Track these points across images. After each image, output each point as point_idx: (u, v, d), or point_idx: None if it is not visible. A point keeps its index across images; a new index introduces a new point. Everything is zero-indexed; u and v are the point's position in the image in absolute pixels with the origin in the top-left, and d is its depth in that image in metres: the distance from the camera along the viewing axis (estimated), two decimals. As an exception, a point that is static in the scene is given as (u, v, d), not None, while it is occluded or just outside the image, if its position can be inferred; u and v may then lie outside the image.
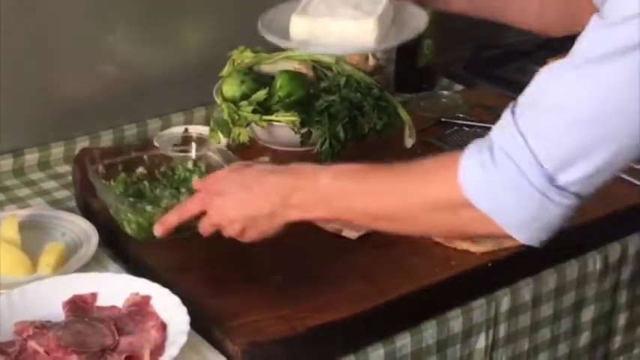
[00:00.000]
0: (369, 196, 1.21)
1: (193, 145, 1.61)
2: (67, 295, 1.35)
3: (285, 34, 1.40)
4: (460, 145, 1.73)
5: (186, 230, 1.39)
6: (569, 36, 2.21)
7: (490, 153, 1.10)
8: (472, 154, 1.12)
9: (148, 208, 1.45)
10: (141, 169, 1.57)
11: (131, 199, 1.49)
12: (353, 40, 1.36)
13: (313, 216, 1.28)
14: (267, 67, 1.78)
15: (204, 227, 1.35)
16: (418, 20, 1.45)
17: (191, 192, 1.47)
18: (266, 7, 1.87)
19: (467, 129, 1.83)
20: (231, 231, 1.32)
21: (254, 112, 1.68)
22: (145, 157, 1.58)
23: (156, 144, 1.66)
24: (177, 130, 1.67)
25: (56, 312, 1.33)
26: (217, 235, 1.47)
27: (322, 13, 1.40)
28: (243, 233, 1.31)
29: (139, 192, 1.54)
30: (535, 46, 2.20)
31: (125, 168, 1.56)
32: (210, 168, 1.57)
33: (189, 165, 1.59)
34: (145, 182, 1.56)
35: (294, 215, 1.28)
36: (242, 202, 1.30)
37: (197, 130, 1.70)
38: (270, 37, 1.39)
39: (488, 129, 1.16)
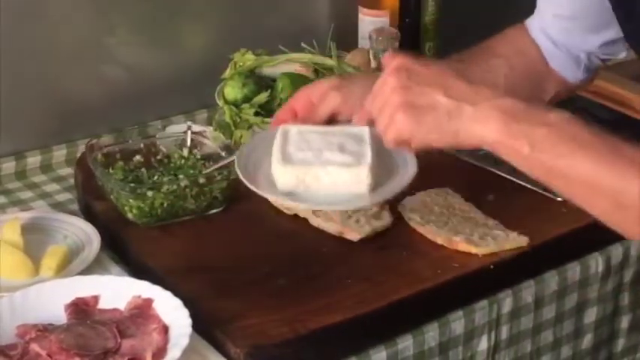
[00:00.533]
0: (609, 164, 1.05)
1: (189, 133, 1.65)
2: (69, 298, 1.35)
3: (267, 179, 1.30)
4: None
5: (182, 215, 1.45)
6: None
7: None
8: None
9: (149, 193, 1.50)
10: (138, 158, 1.62)
11: (132, 185, 1.53)
12: (346, 189, 1.27)
13: (517, 147, 1.07)
14: (268, 70, 1.79)
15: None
16: (407, 162, 1.34)
17: (189, 178, 1.53)
18: (267, 10, 1.88)
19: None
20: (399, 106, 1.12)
21: (256, 114, 1.69)
22: (142, 145, 1.63)
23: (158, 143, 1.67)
24: (180, 127, 1.68)
25: (58, 315, 1.32)
26: (220, 239, 1.47)
27: (309, 160, 1.29)
28: (404, 113, 1.12)
29: (137, 179, 1.59)
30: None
31: (123, 157, 1.61)
32: (206, 156, 1.62)
33: (185, 153, 1.64)
34: (143, 170, 1.61)
35: (490, 133, 1.08)
36: (432, 73, 1.13)
37: (200, 129, 1.71)
38: (254, 188, 1.29)
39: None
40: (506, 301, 1.48)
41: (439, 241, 1.49)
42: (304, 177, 1.28)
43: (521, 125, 1.08)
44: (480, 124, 1.10)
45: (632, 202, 1.05)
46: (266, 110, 1.69)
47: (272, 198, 1.28)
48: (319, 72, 1.77)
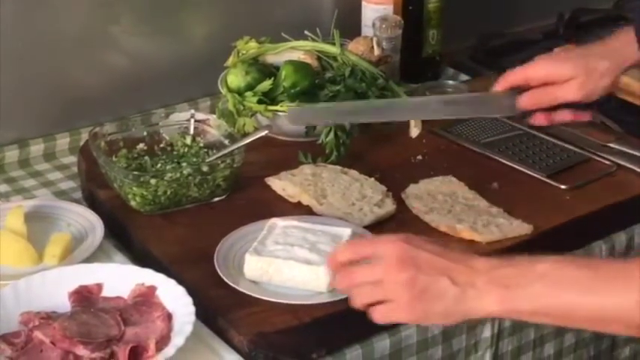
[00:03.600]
0: (603, 292, 1.09)
1: (192, 121, 1.65)
2: (73, 286, 1.35)
3: (239, 268, 1.38)
4: (465, 135, 1.74)
5: (185, 203, 1.50)
6: (575, 26, 2.22)
7: None
8: None
9: (152, 181, 1.51)
10: (141, 146, 1.63)
11: (135, 173, 1.53)
12: (304, 284, 1.35)
13: (518, 309, 1.13)
14: (271, 58, 1.78)
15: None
16: None
17: (192, 166, 1.54)
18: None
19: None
20: (401, 283, 1.15)
21: (259, 102, 1.68)
22: (145, 133, 1.64)
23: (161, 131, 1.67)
24: (183, 115, 1.68)
25: (62, 302, 1.33)
26: (223, 227, 1.47)
27: (277, 254, 1.36)
28: (413, 297, 1.15)
29: (140, 167, 1.60)
30: (541, 36, 2.19)
31: (126, 145, 1.62)
32: (209, 144, 1.62)
33: (188, 140, 1.64)
34: (146, 157, 1.61)
35: (492, 307, 1.13)
36: (440, 256, 1.16)
37: (203, 117, 1.71)
38: (223, 275, 1.36)
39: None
40: (509, 288, 1.48)
41: (442, 229, 1.49)
42: (268, 268, 1.36)
43: (518, 290, 1.13)
44: (483, 301, 1.15)
45: (635, 315, 1.08)
46: (269, 98, 1.69)
47: (234, 285, 1.36)
48: (322, 60, 1.77)
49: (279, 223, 1.44)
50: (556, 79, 1.45)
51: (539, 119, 1.48)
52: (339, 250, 1.23)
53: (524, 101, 1.45)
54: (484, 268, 1.16)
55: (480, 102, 1.46)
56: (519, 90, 1.46)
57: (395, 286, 1.16)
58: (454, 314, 1.17)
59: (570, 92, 1.44)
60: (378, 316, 1.18)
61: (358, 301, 1.19)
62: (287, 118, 1.47)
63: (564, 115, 1.48)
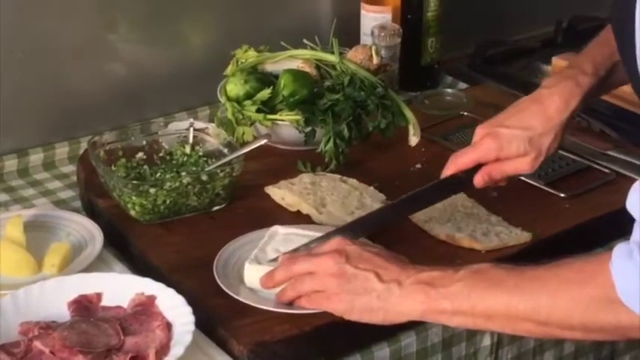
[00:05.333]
0: (515, 292, 1.17)
1: (191, 130, 1.65)
2: (72, 296, 1.35)
3: (239, 277, 1.38)
4: (464, 144, 1.74)
5: (185, 212, 1.51)
6: (573, 34, 2.22)
7: None
8: (621, 256, 1.10)
9: (151, 190, 1.51)
10: (140, 155, 1.63)
11: (134, 182, 1.53)
12: None
13: (440, 308, 1.21)
14: (270, 66, 1.79)
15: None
16: None
17: (191, 175, 1.54)
18: (269, 6, 1.88)
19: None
20: (330, 273, 1.26)
21: (258, 111, 1.68)
22: (144, 142, 1.63)
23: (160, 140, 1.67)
24: (183, 124, 1.68)
25: (61, 312, 1.32)
26: (223, 236, 1.47)
27: (277, 261, 1.37)
28: (341, 287, 1.26)
29: (139, 176, 1.60)
30: (539, 44, 2.20)
31: (125, 154, 1.62)
32: (208, 153, 1.63)
33: (187, 149, 1.64)
34: (145, 167, 1.61)
35: (416, 306, 1.22)
36: (374, 255, 1.28)
37: (202, 126, 1.70)
38: (223, 285, 1.36)
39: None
40: (509, 297, 1.48)
41: (442, 237, 1.49)
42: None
43: (439, 289, 1.21)
44: (407, 299, 1.23)
45: (547, 318, 1.16)
46: (268, 107, 1.69)
47: (234, 294, 1.36)
48: (321, 68, 1.77)
49: (280, 230, 1.44)
50: (504, 158, 1.44)
51: (499, 183, 1.49)
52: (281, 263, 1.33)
53: (479, 181, 1.45)
54: (413, 271, 1.24)
55: (438, 189, 1.47)
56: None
57: (325, 276, 1.26)
58: (377, 311, 1.25)
59: (524, 168, 1.45)
60: (306, 300, 1.29)
61: (291, 291, 1.29)
62: None
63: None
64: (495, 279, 1.20)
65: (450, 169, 1.46)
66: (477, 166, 1.45)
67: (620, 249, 1.11)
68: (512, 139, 1.43)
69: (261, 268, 1.36)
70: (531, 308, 1.16)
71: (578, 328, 1.15)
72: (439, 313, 1.22)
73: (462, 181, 1.46)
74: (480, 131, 1.46)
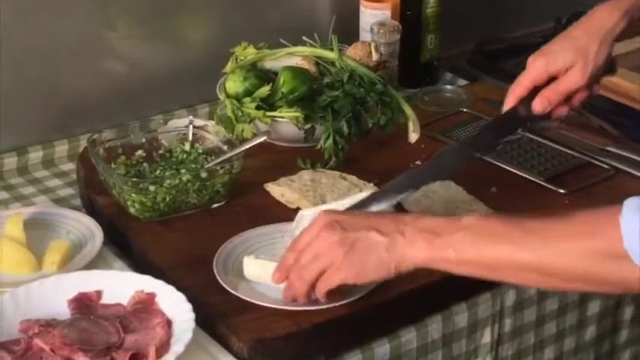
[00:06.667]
0: (521, 242, 1.16)
1: (191, 127, 1.65)
2: (72, 293, 1.35)
3: (239, 274, 1.38)
4: (463, 140, 1.74)
5: (184, 209, 1.51)
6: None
7: None
8: (632, 210, 1.10)
9: (151, 187, 1.51)
10: (140, 152, 1.63)
11: (134, 179, 1.53)
12: None
13: (444, 256, 1.20)
14: (270, 64, 1.79)
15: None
16: None
17: (191, 172, 1.54)
18: (268, 3, 1.88)
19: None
20: (333, 246, 1.24)
21: (257, 108, 1.68)
22: (144, 139, 1.63)
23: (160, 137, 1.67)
24: (182, 121, 1.68)
25: (61, 310, 1.33)
26: (222, 233, 1.47)
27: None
28: (348, 255, 1.24)
29: (139, 174, 1.59)
30: (539, 40, 2.19)
31: (125, 151, 1.62)
32: (208, 150, 1.63)
33: (187, 147, 1.64)
34: (145, 164, 1.62)
35: (420, 253, 1.22)
36: (365, 216, 1.28)
37: (201, 123, 1.70)
38: (223, 282, 1.36)
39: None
40: (509, 293, 1.48)
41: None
42: (264, 271, 1.34)
43: (442, 237, 1.21)
44: (411, 249, 1.22)
45: (551, 269, 1.16)
46: (267, 104, 1.69)
47: (234, 291, 1.36)
48: (320, 65, 1.77)
49: (305, 213, 1.41)
50: (556, 74, 1.47)
51: (559, 112, 1.50)
52: (283, 258, 1.30)
53: (537, 106, 1.47)
54: (410, 219, 1.24)
55: (500, 125, 1.49)
56: (527, 98, 1.48)
57: (328, 250, 1.25)
58: (388, 263, 1.23)
59: (575, 79, 1.46)
60: (322, 285, 1.26)
61: (299, 282, 1.27)
62: None
63: (580, 96, 1.50)
64: (500, 229, 1.19)
65: (509, 101, 1.48)
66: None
67: (631, 202, 1.11)
68: (558, 52, 1.45)
69: (261, 261, 1.36)
70: (537, 259, 1.15)
71: (581, 279, 1.14)
72: (444, 262, 1.21)
73: (523, 115, 1.46)
74: (529, 58, 1.48)
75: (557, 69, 1.46)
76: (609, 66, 1.51)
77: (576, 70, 1.45)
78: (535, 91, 1.48)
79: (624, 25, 1.46)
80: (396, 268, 1.23)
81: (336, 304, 1.31)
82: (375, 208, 1.36)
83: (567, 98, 1.49)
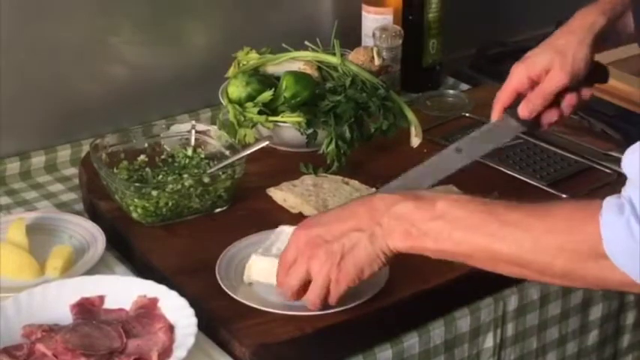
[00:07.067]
0: (499, 235, 1.15)
1: (193, 132, 1.66)
2: (75, 298, 1.35)
3: (241, 279, 1.39)
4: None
5: (187, 214, 1.51)
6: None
7: (632, 212, 1.07)
8: (612, 210, 1.09)
9: (153, 192, 1.51)
10: (142, 157, 1.63)
11: (137, 184, 1.53)
12: None
13: (422, 245, 1.20)
14: (272, 68, 1.79)
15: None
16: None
17: (193, 177, 1.53)
18: (270, 8, 1.87)
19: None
20: (325, 264, 1.25)
21: (260, 113, 1.68)
22: (146, 144, 1.64)
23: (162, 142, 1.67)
24: (184, 126, 1.68)
25: (64, 315, 1.33)
26: (225, 238, 1.47)
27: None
28: (340, 265, 1.25)
29: (141, 179, 1.60)
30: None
31: (127, 156, 1.62)
32: (210, 155, 1.63)
33: (189, 152, 1.64)
34: (147, 169, 1.62)
35: (399, 243, 1.21)
36: (339, 220, 1.26)
37: (204, 128, 1.71)
38: (225, 287, 1.37)
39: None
40: (511, 298, 1.48)
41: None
42: (272, 268, 1.34)
43: (419, 226, 1.20)
44: (391, 238, 1.22)
45: (529, 262, 1.15)
46: (270, 109, 1.69)
47: (236, 296, 1.36)
48: (323, 70, 1.77)
49: (286, 230, 1.42)
50: (537, 77, 1.47)
51: (549, 118, 1.49)
52: (279, 277, 1.31)
53: (523, 112, 1.47)
54: (383, 206, 1.22)
55: (487, 135, 1.49)
56: (515, 106, 1.48)
57: (322, 269, 1.26)
58: (376, 254, 1.23)
59: (556, 79, 1.46)
60: (332, 298, 1.28)
61: (315, 304, 1.29)
62: None
63: (569, 101, 1.49)
64: (477, 219, 1.18)
65: (496, 110, 1.49)
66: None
67: (610, 202, 1.10)
68: (537, 55, 1.47)
69: (263, 260, 1.37)
70: (515, 253, 1.15)
71: (558, 275, 1.14)
72: (423, 249, 1.21)
73: (512, 124, 1.47)
74: (512, 67, 1.50)
75: (537, 72, 1.46)
76: (600, 73, 1.51)
77: (555, 69, 1.45)
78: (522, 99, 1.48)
79: (604, 23, 1.46)
80: (385, 256, 1.24)
81: (348, 306, 1.32)
82: None
83: (556, 103, 1.48)
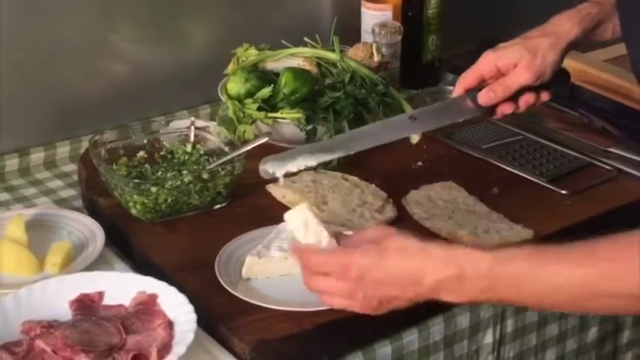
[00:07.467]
0: (543, 286, 1.13)
1: (192, 128, 1.65)
2: (74, 294, 1.35)
3: (240, 275, 1.39)
4: (465, 141, 1.74)
5: (186, 210, 1.52)
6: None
7: None
8: None
9: (153, 189, 1.51)
10: (141, 153, 1.63)
11: (136, 181, 1.53)
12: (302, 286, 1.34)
13: (470, 299, 1.19)
14: (271, 65, 1.79)
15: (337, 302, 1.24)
16: None
17: (193, 173, 1.53)
18: (269, 4, 1.87)
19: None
20: (355, 306, 1.23)
21: (259, 109, 1.68)
22: (146, 141, 1.64)
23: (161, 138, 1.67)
24: (184, 123, 1.68)
25: (63, 311, 1.33)
26: (224, 234, 1.47)
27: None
28: (378, 308, 1.22)
29: (140, 175, 1.60)
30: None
31: (126, 153, 1.62)
32: (210, 151, 1.63)
33: (188, 148, 1.65)
34: (146, 165, 1.62)
35: (448, 298, 1.19)
36: (395, 284, 1.20)
37: (203, 124, 1.70)
38: (225, 283, 1.37)
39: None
40: (511, 294, 1.48)
41: (443, 234, 1.49)
42: (267, 267, 1.36)
43: (467, 288, 1.16)
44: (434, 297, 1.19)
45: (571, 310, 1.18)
46: (269, 105, 1.69)
47: (235, 292, 1.36)
48: (322, 66, 1.77)
49: (288, 227, 1.40)
50: (505, 69, 1.47)
51: (504, 109, 1.50)
52: (307, 274, 1.25)
53: (482, 98, 1.48)
54: (424, 290, 1.19)
55: (443, 110, 1.49)
56: (477, 89, 1.49)
57: (351, 305, 1.22)
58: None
59: (520, 76, 1.46)
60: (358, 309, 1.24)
61: (328, 302, 1.25)
62: (261, 172, 1.43)
63: (527, 99, 1.49)
64: (525, 274, 1.15)
65: (457, 90, 1.49)
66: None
67: None
68: (509, 47, 1.48)
69: (262, 261, 1.37)
70: (557, 298, 1.15)
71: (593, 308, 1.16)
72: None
73: (468, 105, 1.48)
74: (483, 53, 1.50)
75: (506, 64, 1.47)
76: (562, 77, 1.51)
77: (522, 66, 1.46)
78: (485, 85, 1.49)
79: (578, 33, 1.48)
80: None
81: None
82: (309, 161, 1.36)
83: (515, 98, 1.49)
